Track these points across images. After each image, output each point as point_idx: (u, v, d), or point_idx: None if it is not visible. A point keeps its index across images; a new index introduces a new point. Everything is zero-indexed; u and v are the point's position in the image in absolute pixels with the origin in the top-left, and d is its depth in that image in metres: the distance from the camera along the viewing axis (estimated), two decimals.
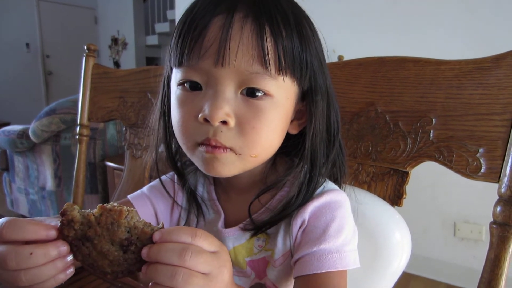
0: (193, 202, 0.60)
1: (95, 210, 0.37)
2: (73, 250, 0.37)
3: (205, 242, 0.36)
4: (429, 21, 1.99)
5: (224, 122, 0.46)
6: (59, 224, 0.37)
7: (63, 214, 0.37)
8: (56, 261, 0.36)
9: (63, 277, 0.37)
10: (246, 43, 0.44)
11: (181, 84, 0.49)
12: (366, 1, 2.18)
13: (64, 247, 0.36)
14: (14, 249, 0.35)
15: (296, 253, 0.51)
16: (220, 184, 0.60)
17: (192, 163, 0.62)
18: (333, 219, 0.50)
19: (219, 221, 0.57)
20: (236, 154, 0.47)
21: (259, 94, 0.46)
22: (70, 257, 0.37)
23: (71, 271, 0.38)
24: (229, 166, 0.48)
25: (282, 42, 0.45)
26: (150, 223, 0.38)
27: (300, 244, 0.51)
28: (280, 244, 0.53)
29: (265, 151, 0.50)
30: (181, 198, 0.62)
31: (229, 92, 0.46)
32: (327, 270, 0.48)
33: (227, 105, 0.45)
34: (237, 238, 0.55)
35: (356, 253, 0.51)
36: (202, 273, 0.35)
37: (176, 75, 0.50)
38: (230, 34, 0.44)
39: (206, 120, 0.46)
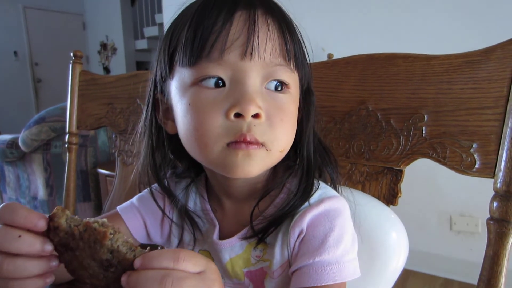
0: (186, 219, 0.57)
1: (83, 222, 0.36)
2: (57, 254, 0.37)
3: (189, 264, 0.34)
4: (419, 16, 1.99)
5: (256, 116, 0.44)
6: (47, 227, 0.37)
7: (51, 219, 0.36)
8: (40, 259, 0.36)
9: (41, 284, 0.37)
10: (272, 36, 0.46)
11: (197, 82, 0.46)
12: None
13: (49, 247, 0.36)
14: (4, 229, 0.35)
15: (294, 263, 0.49)
16: (215, 197, 0.58)
17: (181, 179, 0.60)
18: (332, 228, 0.48)
19: (214, 232, 0.55)
20: (267, 150, 0.46)
21: (280, 87, 0.48)
22: (55, 263, 0.37)
23: (51, 279, 0.38)
24: (259, 164, 0.46)
25: (294, 39, 0.48)
26: (136, 246, 0.36)
27: (298, 254, 0.49)
28: (278, 254, 0.51)
29: (288, 146, 0.50)
30: (171, 209, 0.59)
31: (257, 85, 0.46)
32: (326, 284, 0.46)
33: (257, 97, 0.45)
34: (233, 249, 0.53)
35: (356, 262, 0.50)
36: None
37: (189, 75, 0.47)
38: (257, 26, 0.45)
39: (237, 115, 0.44)
